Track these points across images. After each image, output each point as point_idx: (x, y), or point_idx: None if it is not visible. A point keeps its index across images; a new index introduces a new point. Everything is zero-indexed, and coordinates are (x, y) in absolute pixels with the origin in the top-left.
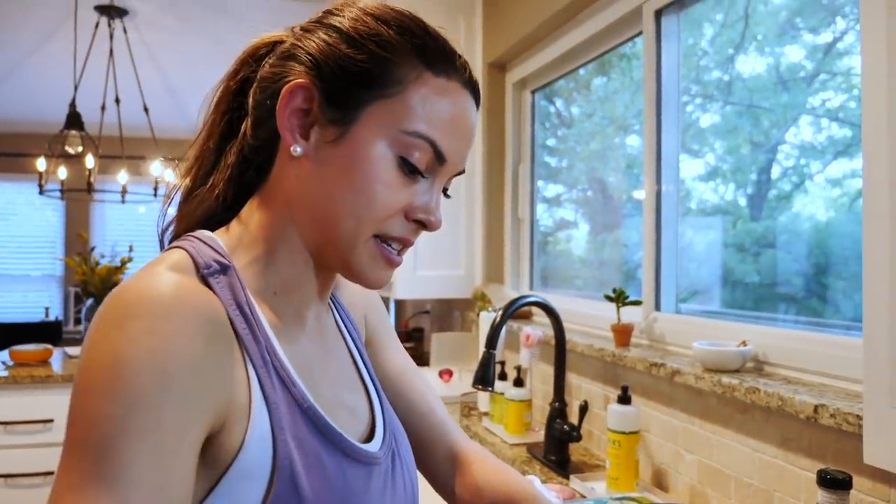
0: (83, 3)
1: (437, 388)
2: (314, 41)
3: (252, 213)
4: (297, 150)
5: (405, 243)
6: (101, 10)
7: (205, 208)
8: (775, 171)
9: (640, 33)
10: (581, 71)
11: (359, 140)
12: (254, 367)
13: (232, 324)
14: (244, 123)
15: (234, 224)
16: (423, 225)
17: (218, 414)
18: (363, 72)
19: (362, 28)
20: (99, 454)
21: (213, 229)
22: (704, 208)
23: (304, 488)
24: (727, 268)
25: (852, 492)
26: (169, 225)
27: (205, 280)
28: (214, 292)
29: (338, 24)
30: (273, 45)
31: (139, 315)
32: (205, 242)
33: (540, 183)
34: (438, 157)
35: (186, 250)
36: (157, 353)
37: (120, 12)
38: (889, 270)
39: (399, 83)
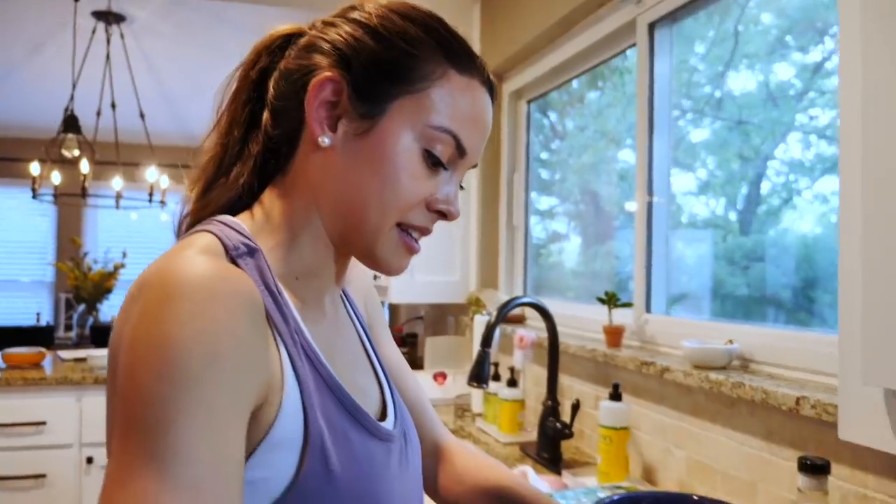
0: (81, 9)
1: (432, 390)
2: (341, 35)
3: (274, 201)
4: (325, 141)
5: (424, 232)
6: (99, 15)
7: (230, 196)
8: (765, 187)
9: (633, 45)
10: (575, 84)
11: (386, 133)
12: (284, 345)
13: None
14: (265, 113)
15: (256, 210)
16: (444, 215)
17: (261, 391)
18: (391, 67)
19: (389, 25)
20: (155, 433)
21: (234, 215)
22: (695, 222)
23: (334, 462)
24: (717, 280)
25: (833, 480)
26: (188, 212)
27: (234, 262)
28: None
29: (364, 20)
30: (290, 37)
31: (185, 297)
32: (230, 226)
33: (533, 195)
34: (460, 151)
35: (214, 233)
36: (206, 334)
37: (117, 18)
38: (860, 271)
39: (425, 79)
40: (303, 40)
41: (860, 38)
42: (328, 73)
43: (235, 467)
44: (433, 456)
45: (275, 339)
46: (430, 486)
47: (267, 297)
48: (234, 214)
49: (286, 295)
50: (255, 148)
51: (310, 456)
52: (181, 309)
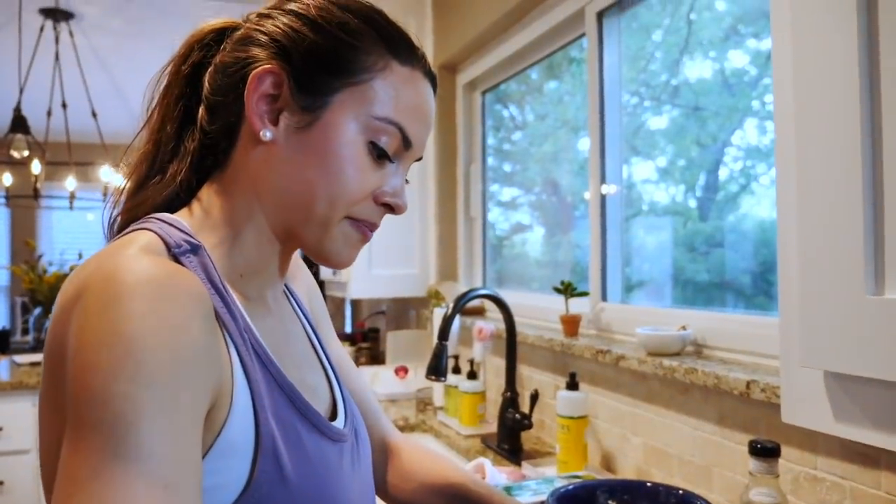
0: (27, 5)
1: (393, 385)
2: (279, 27)
3: (213, 197)
4: (267, 135)
5: (372, 227)
6: (46, 13)
7: (166, 195)
8: (723, 173)
9: (583, 34)
10: (533, 75)
11: (330, 126)
12: (234, 345)
13: None
14: (200, 108)
15: (195, 207)
16: (391, 208)
17: (214, 391)
18: (333, 59)
19: (329, 16)
20: (115, 432)
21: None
22: (655, 209)
23: (287, 466)
24: (678, 266)
25: (784, 463)
26: (119, 214)
27: (176, 260)
28: None
29: (302, 11)
30: (223, 31)
31: (134, 296)
32: (170, 224)
33: (496, 187)
34: (405, 142)
35: (154, 231)
36: (161, 331)
37: (66, 15)
38: (797, 254)
39: (367, 71)
40: (238, 33)
41: (790, 27)
42: (268, 66)
43: (198, 468)
44: (381, 453)
45: (224, 339)
46: (379, 485)
47: (214, 295)
48: (171, 213)
49: (232, 292)
50: (191, 144)
51: (262, 460)
52: (131, 308)
